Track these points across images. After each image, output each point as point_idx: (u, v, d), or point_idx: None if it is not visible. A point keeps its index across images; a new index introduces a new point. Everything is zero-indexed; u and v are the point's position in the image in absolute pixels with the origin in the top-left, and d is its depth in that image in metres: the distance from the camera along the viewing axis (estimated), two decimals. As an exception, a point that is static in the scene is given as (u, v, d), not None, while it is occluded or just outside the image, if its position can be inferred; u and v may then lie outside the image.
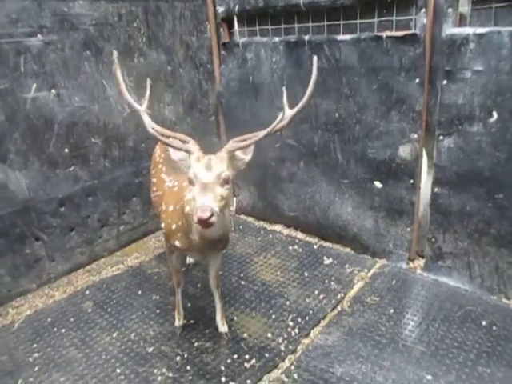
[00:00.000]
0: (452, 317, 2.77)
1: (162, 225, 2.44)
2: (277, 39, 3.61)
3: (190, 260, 3.52)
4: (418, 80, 2.94)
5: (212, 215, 1.75)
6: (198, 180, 1.86)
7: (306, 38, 3.40)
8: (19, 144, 3.04)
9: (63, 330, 2.89)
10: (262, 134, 1.96)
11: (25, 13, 2.91)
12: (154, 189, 2.79)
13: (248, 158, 2.05)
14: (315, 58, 2.12)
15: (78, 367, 2.57)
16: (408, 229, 3.32)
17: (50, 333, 2.88)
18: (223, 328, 2.78)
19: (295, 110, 2.07)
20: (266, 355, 2.58)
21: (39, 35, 3.01)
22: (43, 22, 3.01)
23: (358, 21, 3.18)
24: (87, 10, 3.23)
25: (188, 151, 1.98)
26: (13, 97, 2.95)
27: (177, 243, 2.32)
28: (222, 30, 4.07)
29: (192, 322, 2.90)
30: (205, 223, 1.76)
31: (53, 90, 3.15)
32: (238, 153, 2.01)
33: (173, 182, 2.54)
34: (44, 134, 3.16)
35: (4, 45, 2.84)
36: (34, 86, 3.04)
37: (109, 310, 3.08)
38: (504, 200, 2.77)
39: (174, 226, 2.30)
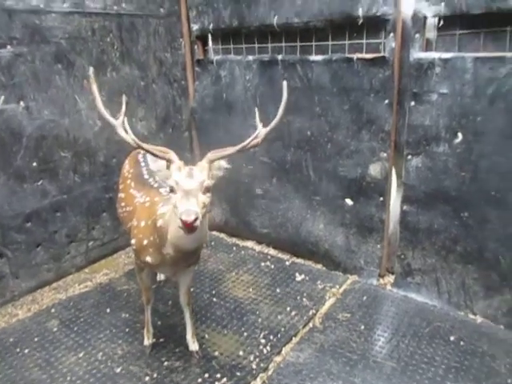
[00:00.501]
0: (421, 333, 2.82)
1: (133, 241, 2.38)
2: (250, 58, 3.66)
3: (161, 277, 3.46)
4: (387, 101, 3.03)
5: (197, 219, 1.76)
6: (181, 187, 1.86)
7: (280, 57, 3.46)
8: (-15, 157, 2.95)
9: (26, 351, 2.78)
10: (238, 147, 2.00)
11: (-5, 24, 2.86)
12: (123, 204, 2.70)
13: (226, 166, 2.08)
14: (285, 82, 2.19)
15: (42, 389, 2.47)
16: (378, 245, 3.38)
17: (13, 353, 2.76)
18: (194, 346, 2.73)
19: (268, 128, 2.13)
20: (238, 374, 2.55)
21: (9, 46, 2.95)
22: (13, 33, 2.96)
23: (330, 42, 3.26)
24: (60, 23, 3.20)
25: (169, 160, 1.98)
26: (-21, 108, 2.87)
27: (148, 259, 2.28)
28: (196, 47, 4.10)
29: (162, 340, 2.84)
30: (190, 227, 1.76)
31: (21, 103, 3.08)
32: (217, 163, 2.04)
33: (144, 198, 2.48)
34: (11, 146, 3.08)
35: (-28, 55, 2.78)
36: (2, 98, 2.97)
37: (75, 328, 2.98)
38: (469, 218, 2.87)
39: (145, 242, 2.26)
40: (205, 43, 4.08)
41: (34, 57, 3.10)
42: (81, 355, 2.73)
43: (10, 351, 2.78)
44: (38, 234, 3.34)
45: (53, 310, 3.18)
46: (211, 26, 3.84)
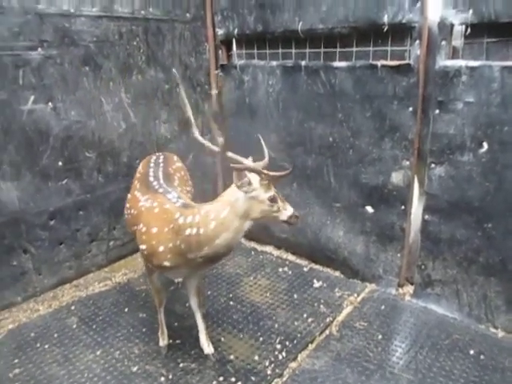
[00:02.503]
0: (440, 345, 2.77)
1: (143, 246, 2.37)
2: (274, 63, 3.68)
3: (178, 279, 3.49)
4: (411, 109, 3.00)
5: None
6: (280, 197, 2.29)
7: (303, 63, 3.47)
8: (13, 155, 3.04)
9: (46, 346, 2.84)
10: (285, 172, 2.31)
11: (26, 27, 2.95)
12: (128, 205, 2.71)
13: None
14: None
15: (60, 385, 2.52)
16: (398, 255, 3.34)
17: (33, 348, 2.82)
18: (209, 349, 2.74)
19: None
20: (253, 378, 2.55)
21: (39, 49, 3.04)
22: (44, 36, 3.05)
23: (354, 49, 3.25)
24: (88, 27, 3.28)
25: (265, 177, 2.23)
26: (10, 108, 2.96)
27: (166, 263, 2.30)
28: (220, 51, 4.14)
29: (178, 341, 2.86)
30: (298, 218, 2.33)
31: (50, 104, 3.17)
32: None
33: (150, 202, 2.45)
34: (39, 146, 3.16)
35: (4, 57, 2.87)
36: (32, 98, 3.06)
37: (94, 326, 3.03)
38: (493, 229, 2.81)
39: (161, 248, 2.28)
40: (229, 48, 4.12)
41: (63, 59, 3.18)
42: (98, 353, 2.77)
43: (30, 346, 2.84)
44: (60, 231, 3.42)
45: (73, 307, 3.25)
46: (236, 31, 3.87)
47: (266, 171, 2.22)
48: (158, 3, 3.72)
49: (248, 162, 2.30)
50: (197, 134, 2.39)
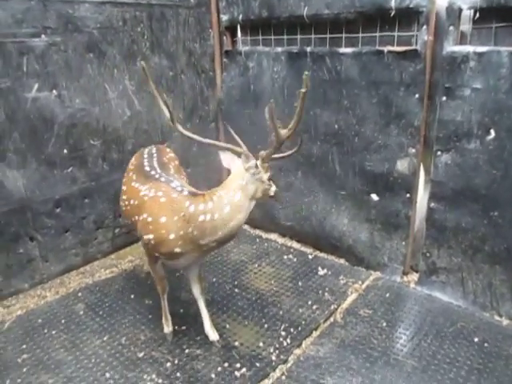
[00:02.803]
0: (444, 332, 2.78)
1: (150, 236, 2.40)
2: (279, 49, 3.64)
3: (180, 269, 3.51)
4: (417, 95, 2.97)
5: None
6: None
7: (308, 49, 3.43)
8: (18, 143, 3.04)
9: (54, 332, 2.88)
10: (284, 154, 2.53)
11: (30, 13, 2.93)
12: (125, 197, 2.72)
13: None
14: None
15: (67, 370, 2.55)
16: (403, 242, 3.33)
17: (40, 334, 2.86)
18: (214, 336, 2.77)
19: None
20: (257, 364, 2.57)
21: (43, 36, 3.03)
22: (48, 23, 3.03)
23: (360, 35, 3.21)
24: (92, 13, 3.25)
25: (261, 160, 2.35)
26: (14, 96, 2.96)
27: (176, 250, 2.36)
28: (225, 38, 4.10)
29: (183, 328, 2.89)
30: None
31: (54, 91, 3.16)
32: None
33: (154, 192, 2.48)
34: (43, 134, 3.17)
35: (8, 44, 2.86)
36: (36, 86, 3.05)
37: (100, 312, 3.07)
38: (499, 217, 2.79)
39: (172, 236, 2.33)
40: (233, 34, 4.08)
41: (67, 46, 3.17)
42: (105, 339, 2.81)
43: (38, 332, 2.88)
44: (66, 219, 3.44)
45: (79, 294, 3.28)
46: (241, 17, 3.83)
47: (264, 153, 2.33)
48: (162, -12, 3.68)
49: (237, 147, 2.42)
50: (180, 127, 2.42)
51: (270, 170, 2.41)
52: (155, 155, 2.87)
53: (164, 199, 2.42)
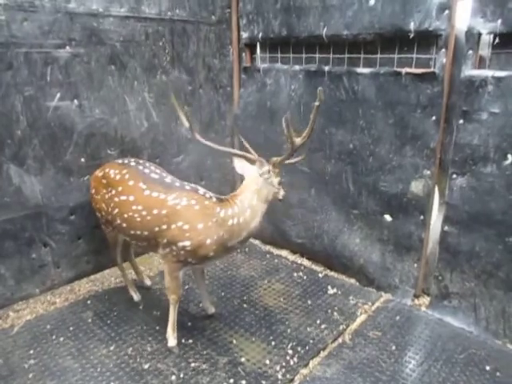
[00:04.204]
0: (455, 359, 2.72)
1: (186, 242, 2.51)
2: (297, 67, 3.68)
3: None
4: (434, 118, 2.97)
5: None
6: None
7: (326, 68, 3.46)
8: (37, 150, 3.10)
9: (61, 339, 2.89)
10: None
11: (56, 25, 3.02)
12: (140, 207, 2.64)
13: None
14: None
15: (73, 377, 2.55)
16: (415, 265, 3.29)
17: (48, 340, 2.87)
18: (211, 310, 3.13)
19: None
20: (263, 382, 2.54)
21: (68, 47, 3.11)
22: (73, 35, 3.11)
23: (379, 55, 3.23)
24: (116, 27, 3.33)
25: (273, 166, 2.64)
26: (36, 104, 3.03)
27: (211, 254, 2.58)
28: (244, 54, 4.16)
29: (190, 341, 2.88)
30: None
31: (75, 101, 3.23)
32: None
33: (186, 200, 2.55)
34: (62, 142, 3.23)
35: (34, 54, 2.94)
36: (58, 95, 3.12)
37: (108, 321, 3.07)
38: (514, 244, 2.75)
39: (208, 241, 2.53)
40: (253, 51, 4.14)
41: (90, 58, 3.25)
42: (112, 348, 2.80)
43: (46, 338, 2.89)
44: (80, 226, 3.48)
45: (89, 302, 3.30)
46: (260, 35, 3.89)
47: (275, 160, 2.62)
48: (185, 5, 3.76)
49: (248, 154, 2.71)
50: (198, 136, 2.64)
51: (280, 175, 2.67)
52: (147, 164, 2.89)
53: (198, 206, 2.57)
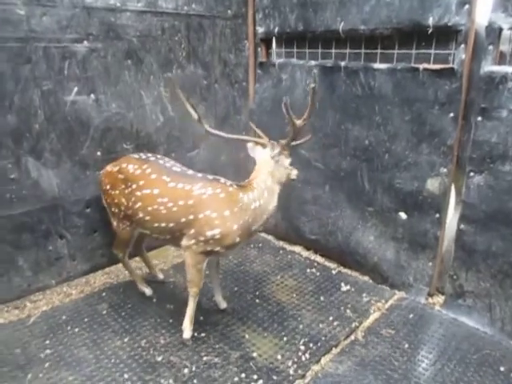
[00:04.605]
0: (469, 359, 2.69)
1: (215, 231, 2.57)
2: (313, 63, 3.65)
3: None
4: (452, 114, 2.92)
5: None
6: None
7: (343, 63, 3.43)
8: (55, 143, 3.15)
9: (76, 329, 2.94)
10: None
11: (74, 20, 3.04)
12: (165, 200, 2.67)
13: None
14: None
15: (87, 368, 2.60)
16: (430, 263, 3.26)
17: (64, 331, 2.92)
18: (223, 304, 3.16)
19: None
20: (274, 377, 2.55)
21: (85, 42, 3.13)
22: (90, 29, 3.14)
23: (396, 51, 3.19)
24: (133, 22, 3.35)
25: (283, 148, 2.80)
26: (54, 98, 3.07)
27: (237, 240, 2.66)
28: (259, 49, 4.15)
29: (203, 335, 2.90)
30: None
31: (92, 95, 3.26)
32: None
33: (211, 189, 2.63)
34: (79, 136, 3.26)
35: (52, 49, 2.98)
36: (75, 89, 3.15)
37: (123, 313, 3.12)
38: (532, 244, 2.70)
39: (235, 226, 2.61)
40: (268, 46, 4.13)
41: (107, 52, 3.27)
42: (126, 340, 2.84)
43: (61, 328, 2.94)
44: (95, 220, 3.52)
45: (103, 294, 3.35)
46: (276, 30, 3.87)
47: (283, 141, 2.77)
48: (201, 0, 3.76)
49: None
50: (206, 126, 2.76)
51: (290, 156, 2.82)
52: (166, 159, 2.97)
53: (223, 194, 2.65)
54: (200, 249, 2.64)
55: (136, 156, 3.01)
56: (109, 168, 3.04)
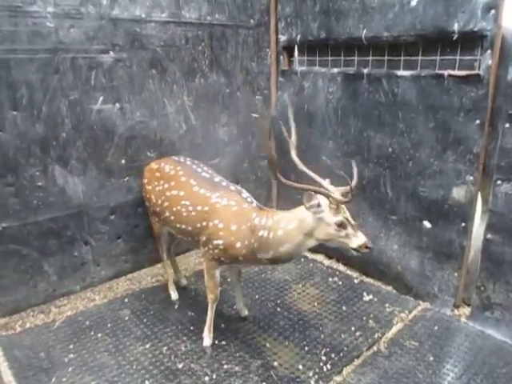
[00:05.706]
0: (497, 373, 2.60)
1: (219, 241, 2.56)
2: (335, 70, 3.64)
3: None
4: (478, 121, 2.86)
5: None
6: (351, 223, 2.32)
7: (365, 71, 3.41)
8: (81, 151, 3.22)
9: (99, 335, 2.97)
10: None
11: (101, 31, 3.12)
12: (187, 202, 2.74)
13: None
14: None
15: (109, 373, 2.62)
16: (455, 273, 3.18)
17: (87, 336, 2.96)
18: (245, 312, 3.13)
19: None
20: (295, 387, 2.53)
21: (111, 52, 3.21)
22: (116, 40, 3.21)
23: (420, 57, 3.15)
24: (157, 32, 3.41)
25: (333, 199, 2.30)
26: (80, 107, 3.14)
27: (240, 258, 2.56)
28: (281, 57, 4.16)
29: (223, 343, 2.90)
30: (370, 248, 2.36)
31: (117, 104, 3.33)
32: None
33: (226, 200, 2.61)
34: (104, 144, 3.33)
35: (79, 59, 3.06)
36: (101, 98, 3.23)
37: (145, 320, 3.14)
38: None
39: (238, 244, 2.52)
40: (290, 54, 4.14)
41: (132, 62, 3.34)
42: (147, 346, 2.86)
43: (85, 334, 2.99)
44: (120, 226, 3.58)
45: (126, 300, 3.38)
46: (298, 38, 3.88)
47: (333, 195, 2.28)
48: (224, 9, 3.80)
49: (324, 182, 2.43)
50: (294, 155, 2.55)
51: (346, 216, 2.31)
52: (197, 162, 3.05)
53: (236, 208, 2.59)
54: (210, 256, 2.67)
55: (175, 158, 3.17)
56: (152, 164, 3.21)
